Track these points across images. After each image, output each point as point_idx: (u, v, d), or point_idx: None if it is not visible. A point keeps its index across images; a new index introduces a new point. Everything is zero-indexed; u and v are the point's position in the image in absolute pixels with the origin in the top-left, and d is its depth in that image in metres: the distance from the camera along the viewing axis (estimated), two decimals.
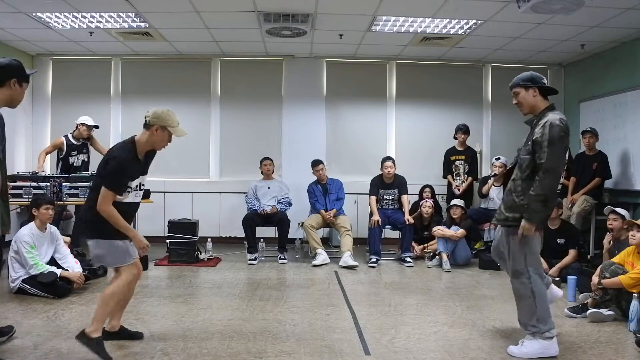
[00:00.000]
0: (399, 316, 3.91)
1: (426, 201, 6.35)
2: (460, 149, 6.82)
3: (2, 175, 2.84)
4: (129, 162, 2.97)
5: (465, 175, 6.74)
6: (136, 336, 3.29)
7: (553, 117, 2.97)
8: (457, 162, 6.79)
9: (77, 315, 3.76)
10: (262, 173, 6.49)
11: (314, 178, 6.47)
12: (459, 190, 6.65)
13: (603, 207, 4.74)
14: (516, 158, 3.27)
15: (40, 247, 4.33)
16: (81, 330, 2.98)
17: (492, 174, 6.38)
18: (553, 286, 3.45)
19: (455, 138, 6.84)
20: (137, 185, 3.09)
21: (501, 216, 3.16)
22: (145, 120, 3.03)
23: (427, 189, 6.68)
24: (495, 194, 6.38)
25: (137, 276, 3.26)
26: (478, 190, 6.59)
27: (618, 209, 4.41)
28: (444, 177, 6.88)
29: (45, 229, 4.42)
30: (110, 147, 3.18)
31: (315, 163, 6.40)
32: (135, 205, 3.19)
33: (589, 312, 3.78)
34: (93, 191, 3.01)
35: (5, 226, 2.89)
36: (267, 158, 6.51)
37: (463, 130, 6.73)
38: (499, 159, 6.42)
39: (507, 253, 3.15)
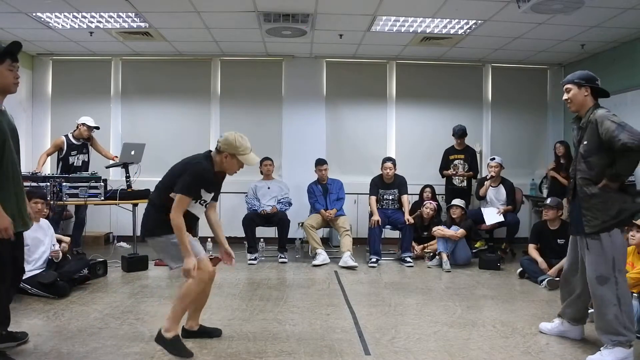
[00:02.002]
0: (399, 316, 3.91)
1: (430, 203, 6.35)
2: (459, 148, 6.82)
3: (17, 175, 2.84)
4: (208, 172, 3.00)
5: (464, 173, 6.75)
6: (216, 333, 3.32)
7: (600, 112, 2.97)
8: (456, 162, 6.79)
9: (77, 315, 3.77)
10: (261, 173, 6.49)
11: (314, 178, 6.47)
12: (460, 175, 6.64)
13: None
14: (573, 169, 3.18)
15: (34, 240, 4.29)
16: (158, 330, 2.99)
17: (489, 175, 6.39)
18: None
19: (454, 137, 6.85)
20: (204, 200, 3.10)
21: (592, 223, 2.99)
22: (217, 146, 3.04)
23: (428, 189, 6.67)
24: (493, 194, 6.38)
25: (211, 276, 3.19)
26: (476, 191, 6.59)
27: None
28: (441, 173, 6.86)
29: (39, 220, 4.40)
30: (187, 158, 3.16)
31: (320, 162, 6.41)
32: (196, 219, 3.19)
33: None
34: (160, 190, 3.06)
35: (25, 224, 2.87)
36: (267, 158, 6.50)
37: (458, 134, 6.71)
38: (494, 159, 6.42)
39: (587, 260, 3.05)
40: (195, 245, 3.04)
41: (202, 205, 3.14)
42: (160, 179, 3.15)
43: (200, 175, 2.96)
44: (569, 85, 3.12)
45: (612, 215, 2.93)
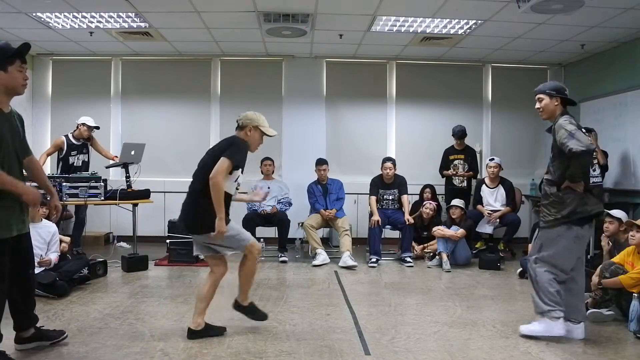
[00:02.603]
0: (399, 316, 3.91)
1: (430, 203, 6.35)
2: (458, 148, 6.81)
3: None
4: (247, 145, 3.29)
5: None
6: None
7: (559, 121, 3.27)
8: (456, 161, 6.79)
9: (77, 315, 3.77)
10: (262, 173, 6.49)
11: (314, 178, 6.47)
12: (460, 175, 6.65)
13: (603, 207, 4.72)
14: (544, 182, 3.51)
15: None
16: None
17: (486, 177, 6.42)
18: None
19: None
20: (237, 178, 3.30)
21: (546, 219, 3.37)
22: (238, 123, 3.36)
23: (428, 189, 6.67)
24: (490, 195, 6.38)
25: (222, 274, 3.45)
26: (474, 193, 6.60)
27: (613, 212, 4.37)
28: (441, 173, 6.86)
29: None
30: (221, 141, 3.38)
31: (321, 162, 6.42)
32: (230, 199, 3.33)
33: (589, 312, 3.78)
34: (202, 173, 3.18)
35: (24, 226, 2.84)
36: (267, 158, 6.51)
37: (458, 135, 6.72)
38: (493, 159, 6.41)
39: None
40: (242, 231, 3.33)
41: (235, 185, 3.33)
42: (199, 166, 3.30)
43: (245, 146, 3.26)
44: (541, 95, 3.39)
45: (563, 214, 3.25)
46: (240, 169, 3.26)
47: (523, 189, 7.00)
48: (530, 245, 5.16)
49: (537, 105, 3.40)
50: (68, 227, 6.32)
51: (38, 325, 3.07)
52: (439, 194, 6.83)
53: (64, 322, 3.59)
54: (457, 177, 6.71)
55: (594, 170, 3.36)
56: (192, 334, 3.26)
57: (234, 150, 3.16)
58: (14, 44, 2.77)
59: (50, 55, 7.39)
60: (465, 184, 6.76)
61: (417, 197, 6.74)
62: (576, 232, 3.29)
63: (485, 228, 6.25)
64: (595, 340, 3.37)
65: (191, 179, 3.32)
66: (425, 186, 6.72)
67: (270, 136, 3.38)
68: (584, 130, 3.30)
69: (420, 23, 5.81)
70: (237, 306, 3.52)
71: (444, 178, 6.88)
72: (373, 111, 7.64)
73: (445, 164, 6.84)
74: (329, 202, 6.29)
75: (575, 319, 3.38)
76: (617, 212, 4.36)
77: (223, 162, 3.08)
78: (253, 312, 3.54)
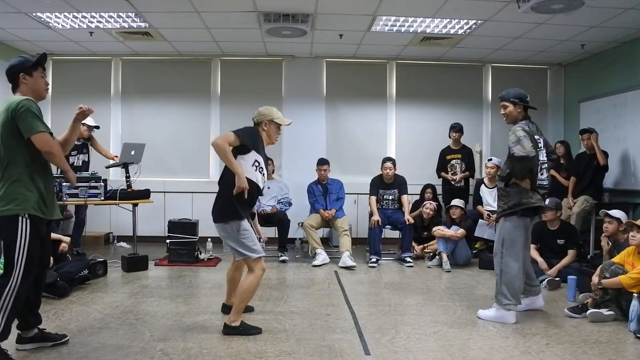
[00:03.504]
0: (399, 316, 3.91)
1: (430, 203, 6.35)
2: (455, 148, 6.80)
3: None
4: (257, 132, 3.46)
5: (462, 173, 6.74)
6: (249, 309, 3.78)
7: (514, 126, 3.68)
8: (453, 161, 6.77)
9: (77, 315, 3.77)
10: None
11: (314, 178, 6.47)
12: (454, 181, 6.64)
13: (603, 208, 4.73)
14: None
15: None
16: (224, 324, 3.37)
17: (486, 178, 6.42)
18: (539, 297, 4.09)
19: (449, 137, 6.83)
20: (262, 167, 3.42)
21: (498, 210, 3.86)
22: (254, 121, 3.52)
23: (429, 190, 6.67)
24: (489, 196, 6.37)
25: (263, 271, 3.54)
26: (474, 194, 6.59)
27: (612, 212, 4.37)
28: (438, 174, 6.85)
29: None
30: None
31: (322, 162, 6.42)
32: (258, 190, 3.47)
33: (589, 312, 3.78)
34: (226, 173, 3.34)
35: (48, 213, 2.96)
36: (267, 158, 6.50)
37: (456, 128, 6.72)
38: (491, 159, 6.40)
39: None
40: (256, 241, 3.36)
41: (261, 173, 3.40)
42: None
43: (254, 131, 3.42)
44: (505, 103, 3.75)
45: (509, 205, 3.70)
46: (255, 153, 3.36)
47: None
48: (531, 245, 5.16)
49: (502, 111, 3.77)
50: (68, 227, 6.31)
51: (40, 327, 3.07)
52: (438, 194, 6.83)
53: (64, 322, 3.59)
54: (453, 180, 6.68)
55: (542, 174, 3.74)
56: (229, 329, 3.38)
57: (242, 129, 3.32)
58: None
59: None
60: (462, 183, 6.75)
61: (417, 197, 6.75)
62: (520, 222, 3.71)
63: (486, 233, 6.19)
64: (595, 340, 3.37)
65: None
66: (427, 186, 6.72)
67: (287, 125, 3.56)
68: (537, 137, 3.71)
69: (420, 23, 5.81)
70: (228, 308, 3.65)
71: (441, 178, 6.86)
72: (373, 111, 7.64)
73: (442, 164, 6.83)
74: (329, 202, 6.29)
75: (535, 292, 4.00)
76: (616, 212, 4.36)
77: (228, 133, 3.26)
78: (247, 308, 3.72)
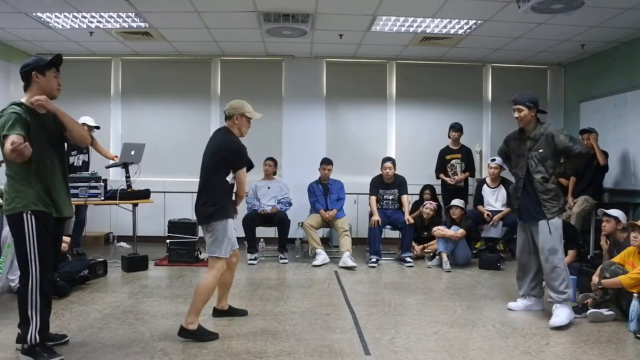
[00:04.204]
0: (399, 316, 3.91)
1: (430, 203, 6.35)
2: (454, 147, 6.79)
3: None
4: (239, 143, 3.49)
5: (462, 174, 6.73)
6: (242, 312, 3.81)
7: (551, 128, 3.82)
8: (452, 161, 6.76)
9: (77, 315, 3.77)
10: (264, 172, 6.51)
11: (314, 178, 6.47)
12: (453, 181, 6.63)
13: (603, 207, 4.73)
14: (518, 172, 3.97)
15: None
16: (180, 326, 3.25)
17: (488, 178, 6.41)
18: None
19: (449, 137, 6.83)
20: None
21: (552, 210, 3.80)
22: (225, 114, 3.54)
23: (428, 190, 6.67)
24: (490, 194, 6.38)
25: (235, 263, 3.71)
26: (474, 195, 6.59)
27: (610, 211, 4.37)
28: (437, 175, 6.84)
29: None
30: (218, 137, 3.56)
31: (326, 161, 6.42)
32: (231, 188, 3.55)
33: (589, 312, 3.79)
34: (207, 174, 3.46)
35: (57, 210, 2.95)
36: (270, 158, 6.52)
37: (456, 128, 6.71)
38: (494, 159, 6.39)
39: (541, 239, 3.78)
40: (227, 244, 3.37)
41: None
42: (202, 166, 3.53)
43: (239, 143, 3.47)
44: (520, 106, 3.80)
45: (561, 204, 3.82)
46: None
47: None
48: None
49: (516, 114, 3.82)
50: (68, 227, 6.29)
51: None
52: (438, 194, 6.82)
53: (64, 322, 3.59)
54: (453, 179, 6.67)
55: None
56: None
57: (241, 156, 3.44)
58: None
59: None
60: (462, 183, 6.74)
61: (417, 197, 6.74)
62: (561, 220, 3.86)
63: (490, 232, 6.18)
64: (595, 340, 3.37)
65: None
66: (425, 187, 6.72)
67: (257, 118, 3.58)
68: None
69: (420, 23, 5.81)
70: (219, 312, 3.77)
71: (439, 179, 6.85)
72: (373, 111, 7.64)
73: (442, 164, 6.82)
74: (330, 202, 6.29)
75: (538, 295, 4.04)
76: (613, 211, 4.36)
77: (243, 175, 3.43)
78: (236, 312, 3.81)
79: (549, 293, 3.76)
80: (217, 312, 3.77)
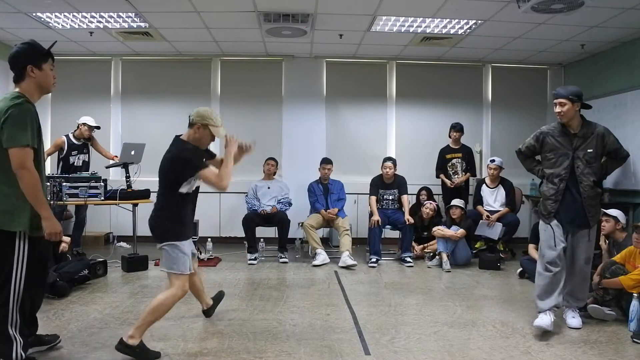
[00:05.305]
0: (399, 316, 3.91)
1: (430, 203, 6.35)
2: (455, 147, 6.79)
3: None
4: (195, 152, 3.10)
5: (463, 173, 6.73)
6: (221, 295, 3.90)
7: (602, 127, 3.60)
8: (453, 161, 6.76)
9: (77, 315, 3.77)
10: (263, 172, 6.51)
11: (314, 178, 6.47)
12: (452, 183, 6.62)
13: (603, 207, 4.72)
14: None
15: None
16: (119, 339, 2.93)
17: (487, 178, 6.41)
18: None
19: (449, 137, 6.83)
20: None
21: (595, 217, 3.65)
22: (190, 119, 3.17)
23: (424, 192, 6.66)
24: (489, 194, 6.37)
25: (195, 267, 3.46)
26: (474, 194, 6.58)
27: (609, 211, 4.36)
28: (437, 175, 6.84)
29: None
30: (170, 148, 3.21)
31: (326, 161, 6.44)
32: (193, 195, 3.29)
33: (589, 306, 3.79)
34: (159, 189, 3.11)
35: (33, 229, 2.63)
36: (271, 158, 6.53)
37: (457, 128, 6.71)
38: (493, 160, 6.39)
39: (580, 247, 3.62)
40: (188, 259, 3.06)
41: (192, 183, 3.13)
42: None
43: (193, 160, 3.05)
44: (563, 100, 3.48)
45: (600, 209, 3.69)
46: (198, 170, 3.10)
47: (523, 189, 6.99)
48: (531, 245, 5.17)
49: (558, 109, 3.50)
50: (68, 227, 6.31)
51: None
52: (436, 194, 6.82)
53: (64, 322, 3.59)
54: (452, 183, 6.66)
55: None
56: None
57: (195, 162, 3.04)
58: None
59: None
60: (462, 178, 6.73)
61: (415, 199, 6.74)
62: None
63: (489, 232, 6.19)
64: (595, 340, 3.37)
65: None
66: (422, 189, 6.72)
67: (219, 137, 3.16)
68: None
69: (420, 23, 5.81)
70: (208, 312, 3.75)
71: (439, 178, 6.84)
72: (373, 111, 7.64)
73: (442, 164, 6.81)
74: (330, 201, 6.29)
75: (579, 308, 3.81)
76: (613, 211, 4.35)
77: (205, 174, 3.03)
78: (217, 299, 3.85)
79: (568, 299, 3.69)
80: (207, 311, 3.74)
